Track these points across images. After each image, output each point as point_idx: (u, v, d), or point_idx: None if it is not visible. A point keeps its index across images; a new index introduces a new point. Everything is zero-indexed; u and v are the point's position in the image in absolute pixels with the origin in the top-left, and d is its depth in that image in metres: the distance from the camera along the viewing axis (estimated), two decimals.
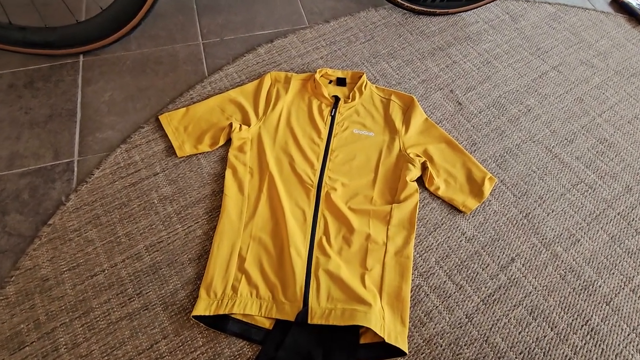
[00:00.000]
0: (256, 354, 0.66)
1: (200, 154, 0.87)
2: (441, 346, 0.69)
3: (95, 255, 0.74)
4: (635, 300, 0.75)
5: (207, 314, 0.67)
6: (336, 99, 0.96)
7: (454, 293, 0.74)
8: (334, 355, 0.66)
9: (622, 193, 0.89)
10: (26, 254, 0.73)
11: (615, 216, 0.85)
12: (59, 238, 0.75)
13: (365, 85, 0.99)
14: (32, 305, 0.69)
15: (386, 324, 0.68)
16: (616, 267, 0.79)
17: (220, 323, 0.68)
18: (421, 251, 0.78)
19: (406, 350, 0.66)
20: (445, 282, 0.76)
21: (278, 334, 0.67)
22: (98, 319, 0.68)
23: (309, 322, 0.67)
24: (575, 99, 1.05)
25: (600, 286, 0.76)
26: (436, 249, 0.79)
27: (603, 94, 1.07)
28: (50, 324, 0.67)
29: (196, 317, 0.67)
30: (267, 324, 0.69)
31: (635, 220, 0.85)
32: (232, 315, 0.69)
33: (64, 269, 0.72)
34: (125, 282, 0.72)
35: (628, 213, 0.86)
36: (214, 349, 0.67)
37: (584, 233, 0.83)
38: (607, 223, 0.84)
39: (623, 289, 0.76)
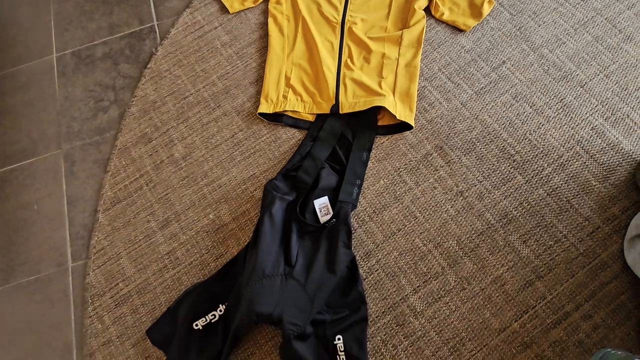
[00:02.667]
0: (303, 137, 0.93)
1: (246, 9, 1.09)
2: (440, 124, 0.91)
3: (184, 85, 1.02)
4: (607, 82, 0.91)
5: (267, 111, 0.95)
6: None
7: (452, 89, 0.94)
8: (360, 132, 0.91)
9: (613, 1, 0.98)
10: (138, 87, 1.03)
11: (602, 21, 0.96)
12: (157, 76, 1.04)
13: None
14: (149, 117, 1.00)
15: (397, 109, 0.91)
16: (595, 60, 0.93)
17: (277, 118, 0.96)
18: (427, 63, 0.98)
19: (413, 125, 0.90)
20: (445, 82, 0.95)
21: (319, 122, 0.94)
22: (194, 122, 0.98)
23: (340, 112, 0.93)
24: None
25: (577, 75, 0.92)
26: (439, 60, 0.97)
27: None
28: (164, 127, 0.99)
29: (260, 114, 0.95)
30: (310, 118, 0.96)
31: (621, 22, 0.96)
32: (285, 113, 0.96)
33: (165, 95, 1.02)
34: (207, 100, 1.00)
35: (615, 17, 0.96)
36: (274, 135, 0.95)
37: (570, 37, 0.96)
38: (593, 27, 0.96)
39: (598, 75, 0.92)
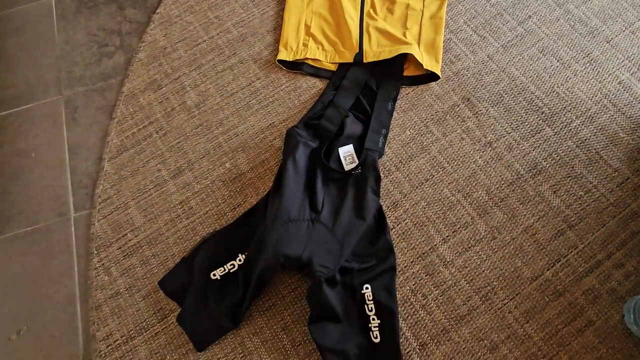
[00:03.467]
0: (324, 86, 0.89)
1: None
2: (466, 76, 0.89)
3: (196, 31, 0.97)
4: (632, 39, 0.90)
5: (287, 59, 0.90)
6: None
7: (478, 42, 0.92)
8: (385, 82, 0.88)
9: None
10: (146, 33, 0.97)
11: None
12: (167, 22, 0.98)
13: None
14: (159, 64, 0.94)
15: (423, 59, 0.88)
16: (620, 17, 0.92)
17: (297, 67, 0.92)
18: (452, 15, 0.95)
19: (440, 75, 0.87)
20: (471, 35, 0.93)
21: (341, 71, 0.90)
22: (208, 70, 0.93)
23: (364, 61, 0.89)
24: None
25: (603, 31, 0.91)
26: (464, 13, 0.95)
27: None
28: (175, 74, 0.93)
29: (279, 61, 0.90)
30: (332, 68, 0.92)
31: None
32: (306, 61, 0.92)
33: (176, 41, 0.96)
34: (222, 47, 0.95)
35: None
36: (294, 84, 0.90)
37: None
38: None
39: (624, 31, 0.91)
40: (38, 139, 0.90)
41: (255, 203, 0.80)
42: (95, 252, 0.80)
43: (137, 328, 0.75)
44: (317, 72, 0.92)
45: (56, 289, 0.78)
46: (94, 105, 0.92)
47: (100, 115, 0.91)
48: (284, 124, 0.88)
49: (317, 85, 0.91)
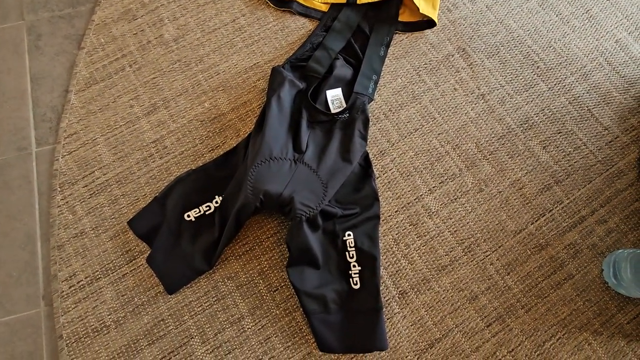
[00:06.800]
0: (314, 27, 0.84)
1: None
2: (463, 25, 0.85)
3: None
4: None
5: None
6: None
7: None
8: (378, 26, 0.84)
9: None
10: None
11: None
12: None
13: None
14: None
15: (420, 4, 0.84)
16: None
17: (286, 4, 0.86)
18: None
19: (436, 21, 0.83)
20: None
21: (332, 12, 0.84)
22: (188, 2, 0.85)
23: (358, 2, 0.84)
24: None
25: None
26: None
27: None
28: (152, 4, 0.85)
29: None
30: (323, 8, 0.86)
31: None
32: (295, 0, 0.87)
33: None
34: None
35: None
36: (282, 23, 0.85)
37: None
38: None
39: None
40: None
41: (235, 145, 0.77)
42: (59, 189, 0.74)
43: (103, 269, 0.70)
44: (307, 11, 0.86)
45: (14, 226, 0.73)
46: (60, 34, 0.84)
47: (68, 44, 0.84)
48: (269, 64, 0.82)
49: (306, 26, 0.86)
